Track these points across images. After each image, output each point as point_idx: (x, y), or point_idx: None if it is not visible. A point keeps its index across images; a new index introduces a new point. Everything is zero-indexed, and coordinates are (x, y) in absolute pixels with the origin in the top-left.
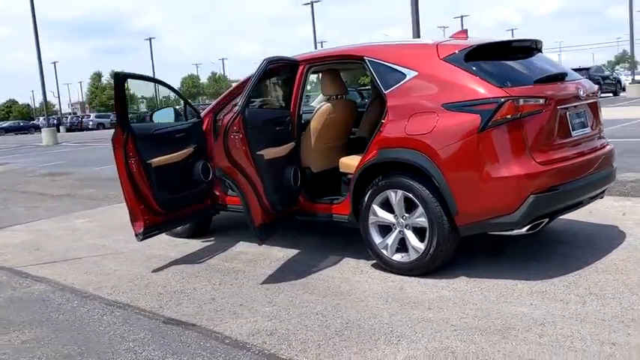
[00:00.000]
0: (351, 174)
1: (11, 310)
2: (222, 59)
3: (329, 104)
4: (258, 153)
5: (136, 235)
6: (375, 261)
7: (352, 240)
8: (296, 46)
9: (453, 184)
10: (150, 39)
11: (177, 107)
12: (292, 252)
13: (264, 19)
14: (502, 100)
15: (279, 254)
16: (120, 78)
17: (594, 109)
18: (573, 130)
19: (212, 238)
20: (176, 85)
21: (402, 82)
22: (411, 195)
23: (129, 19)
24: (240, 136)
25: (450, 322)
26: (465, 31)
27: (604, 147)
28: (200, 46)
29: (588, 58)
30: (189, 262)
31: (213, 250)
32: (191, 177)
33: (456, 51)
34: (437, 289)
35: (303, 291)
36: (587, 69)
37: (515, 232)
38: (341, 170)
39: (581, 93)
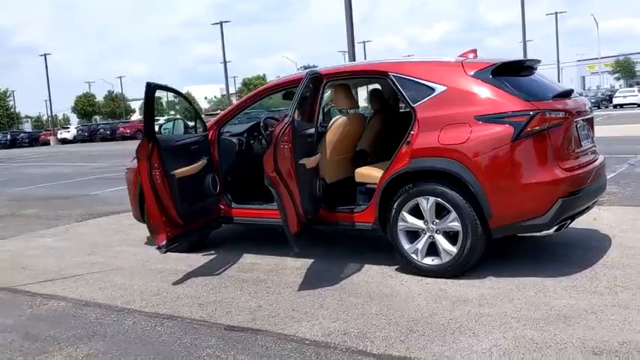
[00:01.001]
0: (369, 183)
1: (44, 326)
2: (120, 77)
3: (344, 117)
4: (300, 162)
5: (159, 248)
6: (396, 266)
7: (357, 248)
8: (188, 66)
9: (488, 189)
10: (45, 55)
11: (184, 120)
12: (307, 261)
13: (152, 39)
14: (532, 113)
15: (296, 264)
16: (151, 88)
17: (591, 123)
18: (581, 141)
19: (212, 252)
20: (69, 104)
21: (431, 96)
22: (443, 201)
23: (8, 34)
24: (289, 145)
25: (508, 315)
26: (475, 50)
27: (599, 158)
28: (90, 65)
29: None
30: (206, 274)
31: (222, 262)
32: (203, 189)
33: (482, 68)
34: (474, 288)
35: (347, 295)
36: None
37: (544, 232)
38: (358, 180)
39: (587, 108)
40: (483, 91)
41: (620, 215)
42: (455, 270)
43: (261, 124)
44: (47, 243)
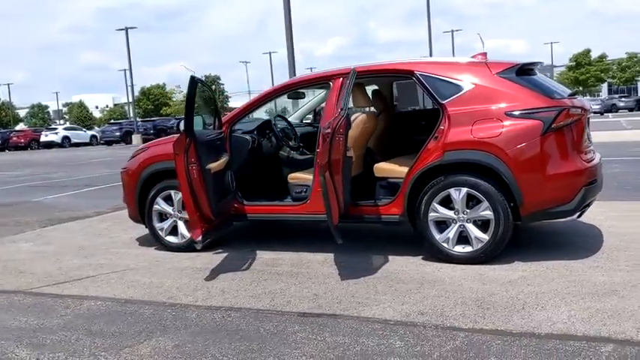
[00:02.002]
0: (391, 178)
1: (102, 324)
2: (8, 84)
3: (364, 115)
4: (348, 155)
5: (196, 243)
6: (419, 255)
7: (368, 241)
8: (72, 74)
9: (521, 179)
10: None
11: (204, 116)
12: (327, 255)
13: (31, 45)
14: (559, 109)
15: (317, 257)
16: (194, 82)
17: (588, 122)
18: (589, 137)
19: (219, 250)
20: None
21: (459, 94)
22: (475, 191)
23: None
24: (342, 138)
25: (560, 291)
26: (485, 53)
27: (597, 154)
28: None
29: None
30: (233, 270)
31: (240, 259)
32: (225, 186)
33: (506, 68)
34: (512, 271)
35: (395, 282)
36: None
37: (569, 218)
38: (378, 175)
39: (589, 107)
40: (510, 89)
41: (603, 208)
42: (487, 256)
43: (273, 122)
44: (28, 247)
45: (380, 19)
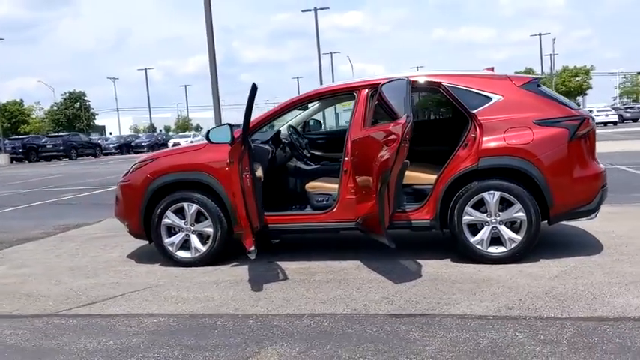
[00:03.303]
0: (417, 184)
1: (192, 339)
2: None
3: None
4: (405, 161)
5: (249, 253)
6: (447, 258)
7: (379, 248)
8: None
9: (552, 183)
10: None
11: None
12: (354, 263)
13: None
14: (582, 117)
15: (348, 264)
16: (256, 88)
17: None
18: None
19: (236, 263)
20: None
21: (488, 104)
22: (508, 195)
23: None
24: (407, 144)
25: (608, 282)
26: (492, 68)
27: None
28: None
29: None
30: (272, 280)
31: (267, 269)
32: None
33: (527, 81)
34: (547, 267)
35: (451, 282)
36: None
37: (589, 217)
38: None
39: None
40: (535, 100)
41: None
42: (521, 255)
43: (288, 132)
44: (4, 271)
45: (244, 39)
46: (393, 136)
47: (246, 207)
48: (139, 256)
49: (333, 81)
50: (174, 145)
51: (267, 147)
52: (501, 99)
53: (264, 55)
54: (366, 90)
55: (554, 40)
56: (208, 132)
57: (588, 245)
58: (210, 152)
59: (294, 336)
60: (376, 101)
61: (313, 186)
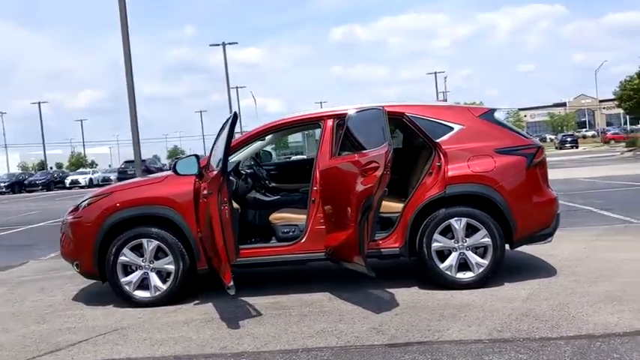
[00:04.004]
0: (385, 213)
1: None
2: None
3: None
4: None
5: (228, 289)
6: (414, 286)
7: (345, 278)
8: None
9: (514, 208)
10: None
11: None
12: (325, 294)
13: None
14: (537, 146)
15: (318, 297)
16: (236, 118)
17: None
18: None
19: (197, 301)
20: None
21: (451, 133)
22: (474, 221)
23: None
24: (389, 172)
25: (581, 300)
26: (445, 100)
27: None
28: None
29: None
30: (246, 317)
31: (237, 306)
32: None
33: (485, 112)
34: (515, 290)
35: (431, 310)
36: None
37: (546, 241)
38: None
39: None
40: (493, 130)
41: None
42: (488, 279)
43: (249, 162)
44: None
45: (137, 73)
46: (374, 164)
47: (224, 239)
48: (86, 299)
49: (239, 114)
50: (72, 182)
51: (232, 178)
52: (463, 128)
53: (159, 90)
54: (332, 120)
55: (445, 78)
56: (175, 163)
57: (542, 268)
58: (171, 185)
59: None
60: (342, 131)
61: (278, 217)
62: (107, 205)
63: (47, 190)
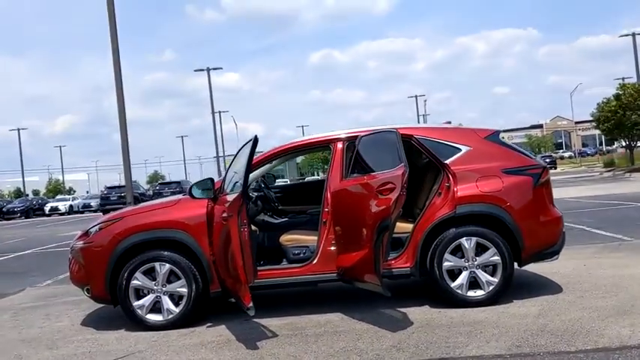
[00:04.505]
0: (397, 233)
1: None
2: None
3: None
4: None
5: (248, 310)
6: (425, 305)
7: (349, 298)
8: None
9: (522, 226)
10: None
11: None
12: (335, 315)
13: None
14: (543, 166)
15: (330, 317)
16: (256, 141)
17: None
18: None
19: (209, 324)
20: None
21: (458, 155)
22: (483, 240)
23: None
24: (405, 193)
25: (592, 315)
26: (449, 122)
27: None
28: None
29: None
30: (263, 338)
31: (250, 328)
32: None
33: (490, 133)
34: (525, 307)
35: (447, 327)
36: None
37: (553, 258)
38: None
39: None
40: (499, 150)
41: None
42: (498, 297)
43: (260, 185)
44: None
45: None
46: (390, 185)
47: (243, 261)
48: (95, 324)
49: (222, 139)
50: (52, 209)
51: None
52: (470, 149)
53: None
54: (342, 142)
55: (425, 101)
56: (190, 188)
57: (547, 285)
58: (184, 209)
59: None
60: (353, 153)
61: (289, 239)
62: (120, 230)
63: (26, 218)
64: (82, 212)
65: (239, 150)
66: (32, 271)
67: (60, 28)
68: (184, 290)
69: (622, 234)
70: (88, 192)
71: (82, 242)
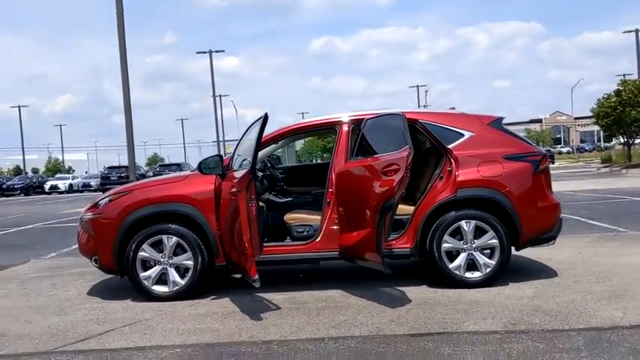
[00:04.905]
0: (398, 215)
1: None
2: None
3: None
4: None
5: (254, 281)
6: (423, 285)
7: (346, 277)
8: None
9: (521, 211)
10: None
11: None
12: (337, 291)
13: None
14: (542, 153)
15: (331, 294)
16: (266, 119)
17: None
18: None
19: (214, 296)
20: None
21: (461, 140)
22: (483, 223)
23: None
24: (409, 174)
25: (586, 298)
26: (454, 108)
27: None
28: None
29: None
30: (265, 310)
31: (253, 300)
32: None
33: (493, 120)
34: (521, 290)
35: (444, 305)
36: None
37: (549, 243)
38: None
39: None
40: (501, 137)
41: None
42: (494, 279)
43: (266, 164)
44: None
45: (115, 80)
46: (394, 167)
47: (250, 235)
48: (102, 294)
49: (222, 123)
50: (52, 187)
51: None
52: (473, 135)
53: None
54: (347, 125)
55: (426, 91)
56: (200, 163)
57: (542, 270)
58: (193, 184)
59: (331, 357)
60: (358, 136)
61: (293, 217)
62: (129, 203)
63: (25, 195)
64: (82, 191)
65: (248, 128)
66: (35, 244)
67: (61, 7)
68: (190, 263)
69: (617, 225)
70: (87, 172)
71: (91, 213)
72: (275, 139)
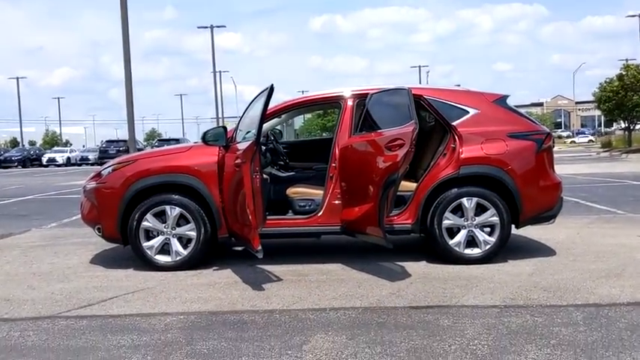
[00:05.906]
0: (400, 191)
1: (237, 331)
2: None
3: None
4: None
5: (257, 252)
6: (422, 261)
7: (347, 252)
8: None
9: (522, 190)
10: None
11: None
12: (338, 265)
13: None
14: (547, 132)
15: (332, 267)
16: (272, 90)
17: None
18: None
19: (216, 267)
20: None
21: (466, 117)
22: (484, 200)
23: None
24: (413, 149)
25: (584, 276)
26: (459, 85)
27: None
28: None
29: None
30: (268, 281)
31: (255, 272)
32: None
33: (499, 98)
34: (519, 267)
35: (443, 280)
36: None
37: (549, 222)
38: None
39: None
40: (505, 115)
41: None
42: (494, 256)
43: (270, 138)
44: None
45: (114, 54)
46: (399, 141)
47: (254, 206)
48: (104, 262)
49: (221, 100)
50: (49, 160)
51: None
52: (478, 112)
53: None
54: (352, 99)
55: (428, 72)
56: (204, 134)
57: (541, 249)
58: (196, 155)
59: (332, 326)
60: (363, 110)
61: (295, 191)
62: (131, 172)
63: (23, 167)
64: (80, 165)
65: (253, 99)
66: (35, 214)
67: None
68: (193, 234)
69: (616, 208)
70: (84, 146)
71: (94, 183)
72: (279, 112)
